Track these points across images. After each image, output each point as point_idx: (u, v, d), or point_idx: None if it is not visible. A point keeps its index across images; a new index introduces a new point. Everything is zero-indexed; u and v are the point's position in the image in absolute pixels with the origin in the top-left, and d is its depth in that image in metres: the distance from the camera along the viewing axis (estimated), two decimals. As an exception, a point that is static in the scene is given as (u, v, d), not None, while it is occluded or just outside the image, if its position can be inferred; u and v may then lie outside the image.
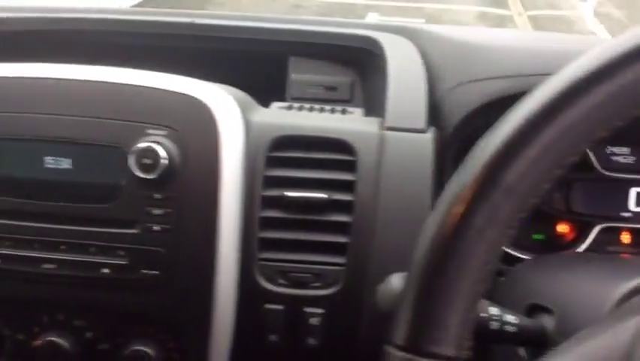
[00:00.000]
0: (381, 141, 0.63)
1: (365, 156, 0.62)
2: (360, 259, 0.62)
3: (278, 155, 0.64)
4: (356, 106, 0.91)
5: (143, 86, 0.62)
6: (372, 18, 5.84)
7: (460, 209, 0.36)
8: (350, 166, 0.63)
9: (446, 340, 0.37)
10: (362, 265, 0.61)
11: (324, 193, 0.62)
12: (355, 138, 0.63)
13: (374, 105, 0.83)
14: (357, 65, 0.90)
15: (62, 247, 0.62)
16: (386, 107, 0.66)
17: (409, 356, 0.37)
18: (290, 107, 0.76)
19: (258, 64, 0.94)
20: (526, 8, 6.03)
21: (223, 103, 0.62)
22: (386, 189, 0.62)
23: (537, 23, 5.54)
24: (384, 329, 0.63)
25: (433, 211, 0.38)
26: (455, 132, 0.66)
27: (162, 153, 0.59)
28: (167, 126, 0.60)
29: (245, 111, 0.64)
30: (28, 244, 0.62)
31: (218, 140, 0.60)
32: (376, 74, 0.86)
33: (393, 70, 0.71)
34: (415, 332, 0.38)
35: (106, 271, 0.61)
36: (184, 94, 0.61)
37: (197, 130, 0.61)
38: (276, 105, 0.76)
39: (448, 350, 0.36)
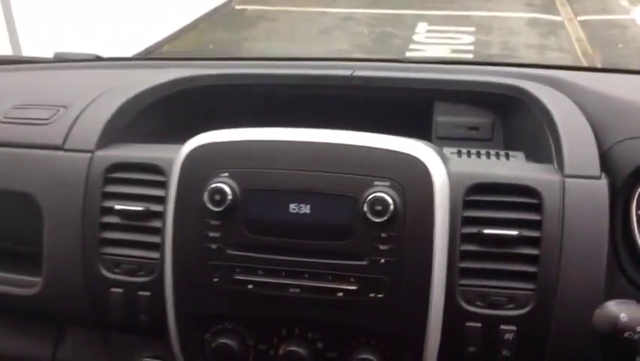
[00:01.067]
0: (562, 187, 0.77)
1: (549, 200, 0.76)
2: (548, 285, 0.75)
3: (473, 198, 0.78)
4: (497, 143, 1.05)
5: (369, 147, 0.77)
6: (421, 27, 5.96)
7: None
8: (537, 208, 0.77)
9: None
10: (550, 290, 0.75)
11: (515, 230, 0.76)
12: (540, 185, 0.77)
13: (521, 145, 0.97)
14: (496, 107, 1.03)
15: (305, 275, 0.77)
16: (563, 156, 0.79)
17: None
18: (460, 153, 0.90)
19: (404, 108, 1.08)
20: (576, 14, 6.04)
21: (433, 158, 0.77)
22: (569, 227, 0.75)
23: (589, 29, 5.56)
24: (568, 349, 0.76)
25: None
26: (625, 182, 0.79)
27: (390, 201, 0.74)
28: (390, 178, 0.75)
29: (444, 163, 0.79)
30: (278, 273, 0.77)
31: (432, 189, 0.75)
32: (519, 116, 0.99)
33: (561, 122, 0.83)
34: None
35: (340, 294, 0.76)
36: (403, 152, 0.76)
37: (415, 181, 0.75)
38: (448, 151, 0.90)
39: None
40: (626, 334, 0.62)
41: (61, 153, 0.89)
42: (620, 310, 0.63)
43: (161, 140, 0.97)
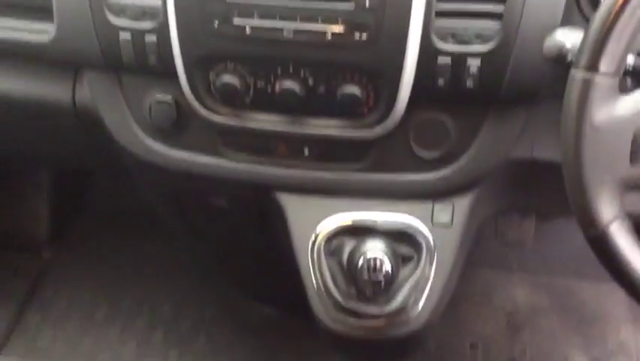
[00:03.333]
0: None
1: None
2: (512, 23, 0.85)
3: None
4: None
5: None
6: None
7: None
8: None
9: (614, 62, 0.63)
10: (512, 27, 0.85)
11: None
12: None
13: None
14: None
15: (297, 18, 0.85)
16: None
17: (588, 74, 0.64)
18: None
19: None
20: None
21: None
22: None
23: None
24: (523, 79, 0.89)
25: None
26: None
27: None
28: None
29: None
30: (272, 17, 0.86)
31: None
32: None
33: None
34: (593, 58, 0.64)
35: (329, 36, 0.86)
36: None
37: None
38: None
39: (612, 67, 0.63)
40: (569, 57, 0.74)
41: None
42: (565, 38, 0.74)
43: None
